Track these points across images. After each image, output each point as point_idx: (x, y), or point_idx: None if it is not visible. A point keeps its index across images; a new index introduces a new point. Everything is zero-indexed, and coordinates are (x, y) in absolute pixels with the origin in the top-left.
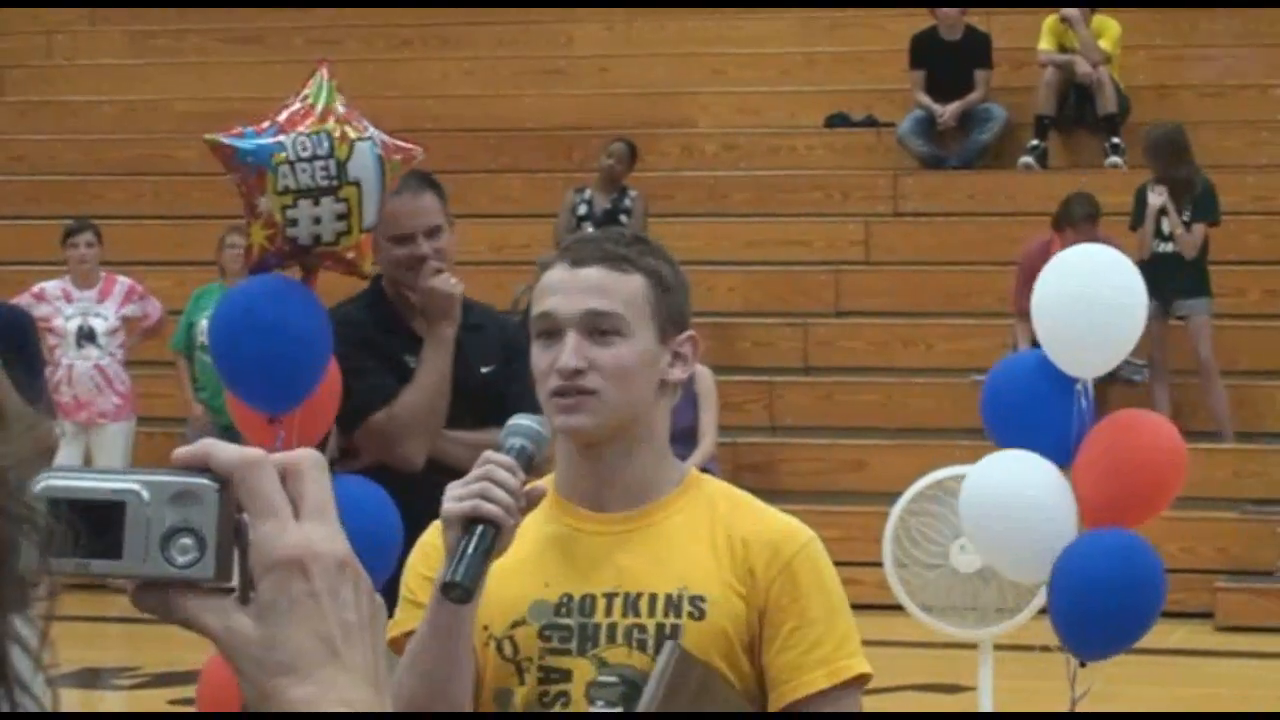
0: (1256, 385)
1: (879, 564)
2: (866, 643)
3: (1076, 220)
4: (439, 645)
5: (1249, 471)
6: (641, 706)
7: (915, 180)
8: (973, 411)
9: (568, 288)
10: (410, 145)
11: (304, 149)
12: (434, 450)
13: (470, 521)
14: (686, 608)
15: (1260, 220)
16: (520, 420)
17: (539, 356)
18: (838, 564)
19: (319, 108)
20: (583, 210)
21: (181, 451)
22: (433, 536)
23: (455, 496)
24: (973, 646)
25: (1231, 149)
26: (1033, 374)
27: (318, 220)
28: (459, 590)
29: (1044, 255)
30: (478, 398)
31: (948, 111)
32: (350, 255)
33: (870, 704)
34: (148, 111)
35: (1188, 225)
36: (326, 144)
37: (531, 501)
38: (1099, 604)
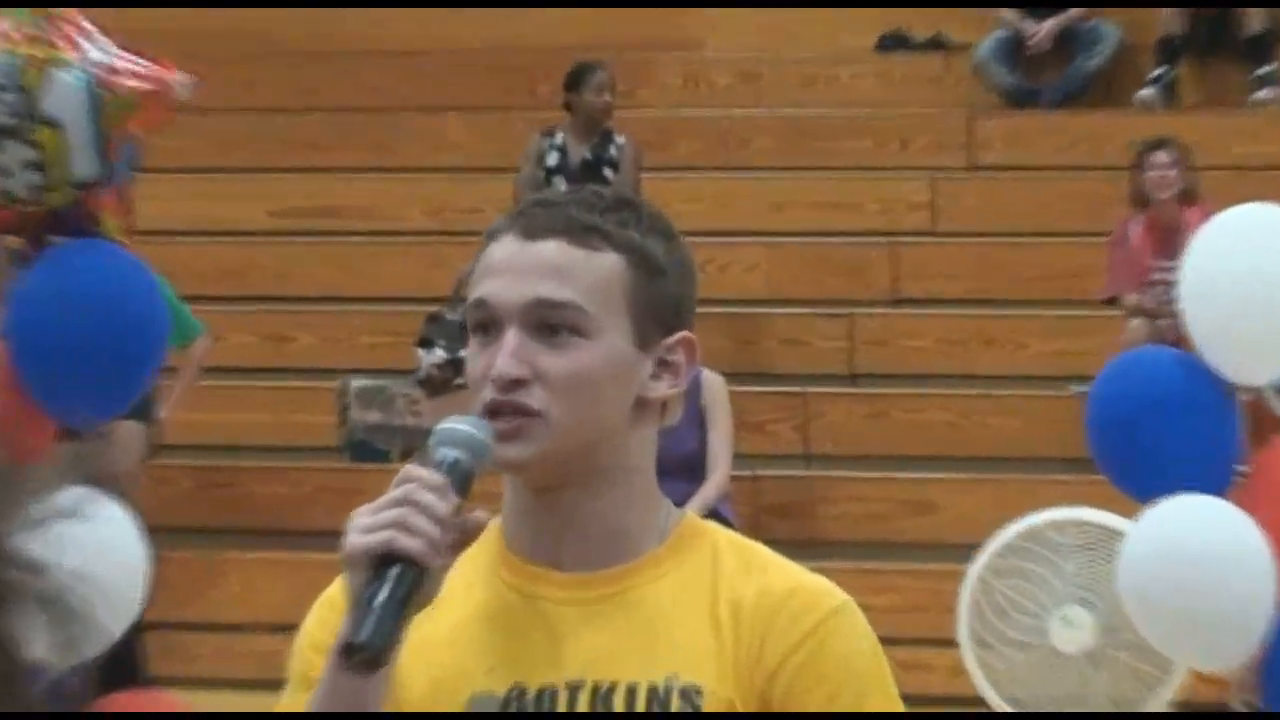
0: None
1: (953, 643)
2: None
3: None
4: None
5: None
6: None
7: (997, 123)
8: (1077, 435)
9: (514, 267)
10: (165, 74)
11: None
12: None
13: (383, 561)
14: (676, 702)
15: None
16: (453, 424)
17: (473, 357)
18: (893, 642)
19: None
20: (554, 160)
21: None
22: (335, 592)
23: (362, 527)
24: None
25: None
26: (1172, 381)
27: (6, 172)
28: (365, 653)
29: (1122, 236)
30: None
31: (1042, 30)
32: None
33: None
34: None
35: None
36: (13, 72)
37: (467, 535)
38: None
